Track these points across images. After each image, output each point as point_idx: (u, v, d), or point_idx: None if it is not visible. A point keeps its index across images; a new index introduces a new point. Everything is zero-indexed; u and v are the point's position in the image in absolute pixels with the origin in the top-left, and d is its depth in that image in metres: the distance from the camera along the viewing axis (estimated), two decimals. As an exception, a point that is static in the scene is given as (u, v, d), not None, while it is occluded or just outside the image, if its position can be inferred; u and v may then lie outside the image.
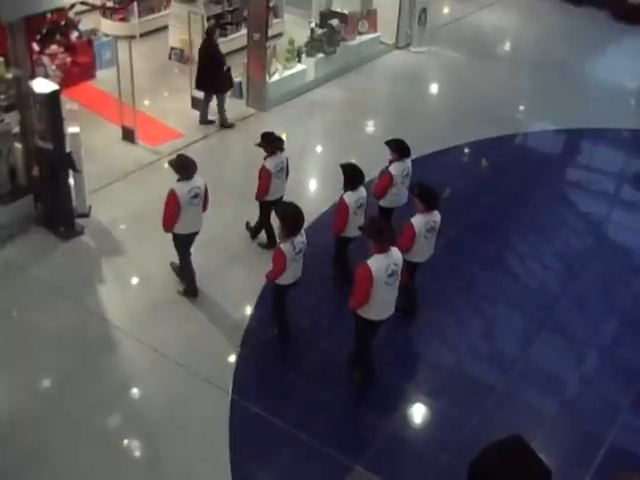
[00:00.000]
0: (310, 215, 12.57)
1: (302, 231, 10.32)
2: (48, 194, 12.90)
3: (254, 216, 12.99)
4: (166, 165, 15.09)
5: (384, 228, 9.75)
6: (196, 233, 11.49)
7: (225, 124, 17.31)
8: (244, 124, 17.43)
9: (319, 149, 17.00)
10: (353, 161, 12.22)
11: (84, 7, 19.00)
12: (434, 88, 20.67)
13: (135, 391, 10.39)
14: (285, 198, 12.27)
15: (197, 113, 17.34)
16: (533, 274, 13.28)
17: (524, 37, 24.25)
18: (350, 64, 20.51)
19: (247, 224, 13.26)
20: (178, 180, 11.05)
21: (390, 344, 11.32)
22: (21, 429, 9.59)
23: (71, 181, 13.08)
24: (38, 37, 17.80)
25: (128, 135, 16.10)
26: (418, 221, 10.90)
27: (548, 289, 12.93)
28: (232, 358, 10.89)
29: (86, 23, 19.84)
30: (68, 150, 12.75)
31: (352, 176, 11.45)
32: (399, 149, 12.20)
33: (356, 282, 9.59)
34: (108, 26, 20.76)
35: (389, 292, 9.70)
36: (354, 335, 10.22)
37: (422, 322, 11.85)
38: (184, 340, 11.06)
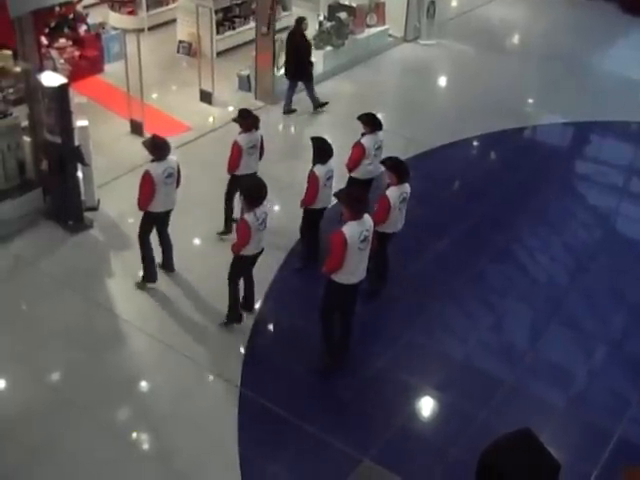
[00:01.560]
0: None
1: (264, 202, 10.49)
2: (57, 188, 12.92)
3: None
4: (174, 158, 15.21)
5: (359, 196, 10.06)
6: (169, 212, 11.68)
7: (318, 104, 17.96)
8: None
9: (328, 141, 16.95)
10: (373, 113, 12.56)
11: (92, 0, 19.02)
12: (442, 81, 20.63)
13: (143, 384, 10.41)
14: (294, 192, 12.27)
15: (205, 106, 17.36)
16: (542, 267, 13.26)
17: (532, 29, 24.18)
18: (358, 57, 20.47)
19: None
20: (152, 161, 11.27)
21: (399, 336, 11.33)
22: (29, 422, 9.61)
23: (80, 175, 13.08)
24: (46, 31, 17.79)
25: (136, 128, 16.10)
26: (392, 193, 11.21)
27: (557, 282, 12.91)
28: (241, 351, 10.89)
29: (94, 16, 19.85)
30: (77, 144, 12.75)
31: (322, 149, 11.82)
32: (370, 123, 12.54)
33: (331, 248, 9.86)
34: (116, 19, 20.75)
35: (361, 257, 9.95)
36: (321, 306, 10.38)
37: (431, 315, 11.84)
38: (193, 333, 11.07)
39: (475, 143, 17.29)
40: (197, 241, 12.95)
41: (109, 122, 16.40)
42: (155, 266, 11.97)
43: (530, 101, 19.51)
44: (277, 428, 9.82)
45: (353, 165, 12.57)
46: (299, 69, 17.51)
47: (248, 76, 18.24)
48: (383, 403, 10.30)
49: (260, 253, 10.93)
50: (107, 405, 9.95)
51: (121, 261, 12.44)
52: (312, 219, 12.31)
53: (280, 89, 18.05)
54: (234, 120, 12.63)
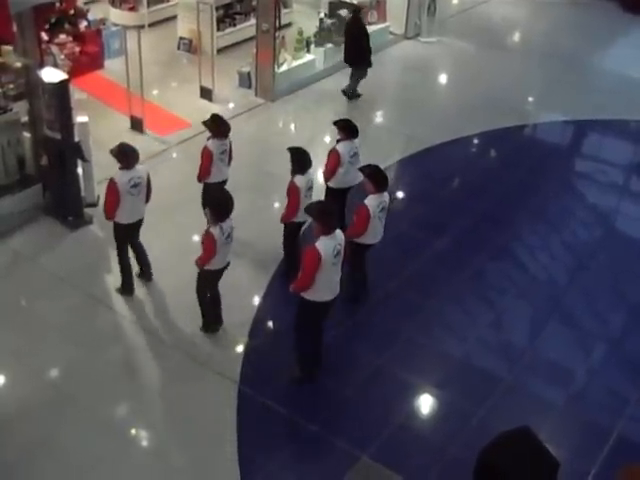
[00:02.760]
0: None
1: (230, 216, 10.25)
2: (56, 183, 12.91)
3: (263, 207, 12.99)
4: (174, 154, 15.25)
5: (330, 210, 9.81)
6: (137, 223, 11.36)
7: (354, 94, 18.43)
8: (252, 114, 17.42)
9: (327, 139, 16.94)
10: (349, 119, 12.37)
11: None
12: (443, 79, 20.61)
13: (142, 381, 10.40)
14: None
15: (205, 102, 17.37)
16: (542, 265, 13.26)
17: (533, 28, 24.15)
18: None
19: None
20: (120, 168, 10.90)
21: (398, 334, 11.33)
22: (29, 418, 9.62)
23: (79, 171, 13.08)
24: (47, 26, 17.80)
25: (136, 125, 16.10)
26: (371, 202, 10.93)
27: (556, 280, 12.91)
28: (240, 349, 10.90)
29: (95, 12, 19.83)
30: (77, 139, 12.75)
31: (301, 160, 11.46)
32: (346, 128, 12.31)
33: (304, 265, 9.54)
34: (117, 16, 20.75)
35: (335, 272, 9.72)
36: (295, 321, 10.13)
37: (430, 313, 11.84)
38: (192, 330, 11.06)
39: (475, 141, 17.28)
40: (196, 237, 12.92)
41: (109, 118, 16.40)
42: (132, 279, 11.74)
43: (530, 99, 19.50)
44: (276, 426, 9.83)
45: (330, 174, 12.29)
46: (358, 55, 18.03)
47: (249, 73, 18.24)
48: (382, 401, 10.30)
49: (226, 267, 10.65)
50: (106, 402, 9.96)
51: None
52: (293, 233, 11.89)
53: (280, 86, 18.05)
54: (204, 124, 12.39)
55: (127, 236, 11.44)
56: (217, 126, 12.21)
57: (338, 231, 9.66)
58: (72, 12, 19.01)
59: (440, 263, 12.84)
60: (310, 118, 17.66)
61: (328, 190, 12.51)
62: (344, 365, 10.68)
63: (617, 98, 19.27)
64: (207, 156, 12.08)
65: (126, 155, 10.94)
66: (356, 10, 18.39)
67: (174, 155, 15.52)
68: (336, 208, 10.59)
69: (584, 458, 9.59)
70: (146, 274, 11.94)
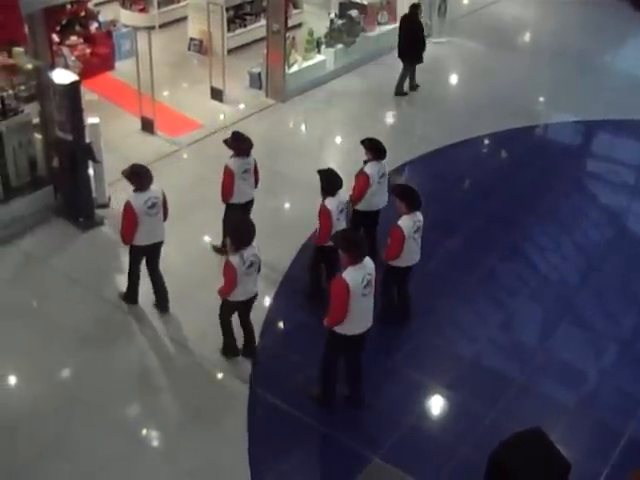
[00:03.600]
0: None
1: (253, 244, 9.82)
2: (68, 185, 12.94)
3: (273, 207, 12.98)
4: (185, 155, 15.27)
5: (357, 239, 9.34)
6: (156, 246, 11.04)
7: (400, 91, 18.77)
8: (263, 115, 17.43)
9: (338, 140, 16.97)
10: (377, 138, 11.98)
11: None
12: (453, 79, 20.58)
13: (153, 382, 10.41)
14: (306, 190, 12.19)
15: (216, 103, 17.40)
16: (553, 266, 13.22)
17: (544, 28, 24.09)
18: (369, 55, 20.43)
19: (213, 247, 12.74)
20: (134, 190, 10.54)
21: (409, 335, 11.32)
22: (40, 419, 9.64)
23: (91, 172, 13.11)
24: (58, 28, 17.85)
25: (147, 126, 16.13)
26: (405, 223, 10.52)
27: (568, 281, 12.88)
28: (251, 349, 10.90)
29: (105, 14, 19.89)
30: (88, 141, 12.77)
31: (330, 182, 10.98)
32: (373, 148, 11.77)
33: (332, 298, 9.10)
34: (127, 17, 20.81)
35: (366, 303, 9.26)
36: (324, 351, 9.72)
37: (441, 314, 11.82)
38: (203, 331, 11.06)
39: (486, 141, 17.26)
40: (207, 238, 12.94)
41: (120, 119, 16.44)
42: (137, 291, 11.48)
43: (541, 99, 19.45)
44: (287, 426, 9.83)
45: (358, 197, 11.75)
46: (412, 51, 18.44)
47: (259, 74, 18.25)
48: (393, 402, 10.29)
49: (254, 298, 10.25)
50: (117, 402, 9.98)
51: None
52: (324, 257, 11.34)
53: (291, 87, 18.06)
54: (225, 142, 11.75)
55: (142, 258, 11.12)
56: (238, 144, 11.67)
57: (368, 260, 9.23)
58: (83, 14, 19.06)
59: (451, 264, 12.82)
60: (321, 119, 17.66)
61: (355, 213, 12.03)
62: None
63: (628, 98, 19.21)
64: (228, 176, 11.61)
65: (139, 176, 10.59)
66: (415, 5, 18.66)
67: (185, 156, 15.54)
68: (362, 235, 10.11)
69: (596, 459, 9.57)
70: (162, 306, 11.48)
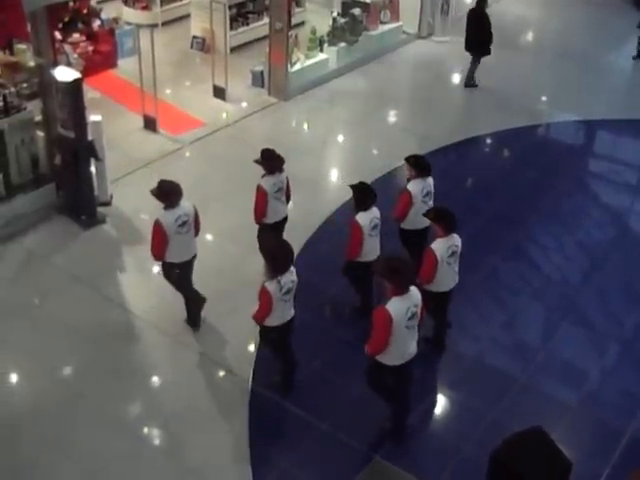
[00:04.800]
0: (332, 203, 12.56)
1: (292, 268, 9.43)
2: (70, 183, 12.95)
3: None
4: (188, 154, 15.27)
5: (401, 267, 8.75)
6: (191, 260, 10.77)
7: (471, 83, 19.39)
8: (265, 114, 17.43)
9: (340, 138, 16.97)
10: (422, 155, 11.83)
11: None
12: (456, 78, 20.54)
13: (155, 380, 10.43)
14: (308, 189, 12.15)
15: (219, 101, 17.40)
16: (555, 265, 13.20)
17: (546, 27, 24.05)
18: (372, 54, 20.43)
19: None
20: (164, 208, 10.24)
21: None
22: (42, 417, 9.66)
23: (93, 170, 13.12)
24: (60, 26, 17.85)
25: (150, 124, 16.13)
26: (439, 247, 10.13)
27: (570, 280, 12.87)
28: (252, 347, 10.89)
29: (108, 12, 19.88)
30: (90, 138, 12.77)
31: (363, 195, 10.67)
32: (417, 165, 11.40)
33: (374, 328, 8.75)
34: (130, 15, 20.79)
35: (410, 335, 8.92)
36: (367, 382, 9.40)
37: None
38: (204, 329, 11.07)
39: (488, 140, 17.25)
40: (210, 237, 12.94)
41: (122, 117, 16.44)
42: (199, 312, 11.16)
43: (543, 99, 19.43)
44: (288, 425, 9.84)
45: (401, 215, 11.32)
46: (479, 43, 18.90)
47: (262, 72, 18.24)
48: (395, 400, 10.29)
49: (291, 321, 9.79)
50: (118, 400, 9.99)
51: (134, 256, 12.46)
52: (359, 273, 10.90)
53: (293, 85, 18.06)
54: (256, 162, 11.23)
55: (184, 272, 10.77)
56: (270, 161, 11.24)
57: (414, 290, 8.85)
58: (85, 11, 19.07)
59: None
60: (323, 117, 17.65)
61: (402, 231, 11.63)
62: (357, 365, 10.65)
63: (630, 97, 19.22)
64: (262, 197, 11.18)
65: (168, 194, 10.24)
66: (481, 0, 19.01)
67: (187, 154, 15.53)
68: (408, 262, 9.49)
69: (597, 459, 9.56)
70: (194, 321, 11.20)
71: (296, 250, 12.48)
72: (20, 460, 9.12)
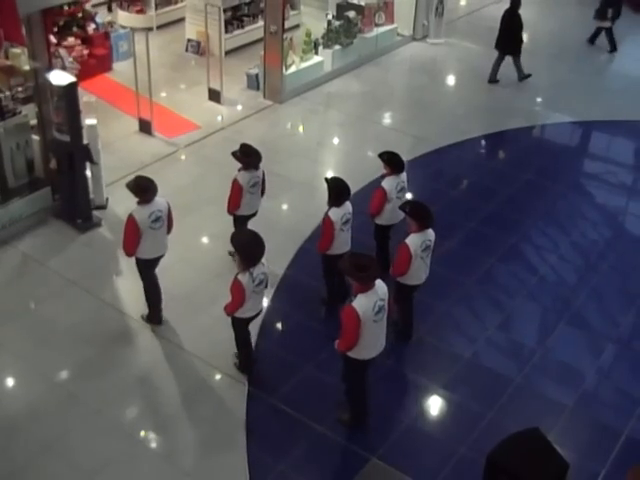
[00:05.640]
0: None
1: (263, 261, 9.65)
2: (65, 186, 12.94)
3: (270, 208, 12.98)
4: (183, 157, 15.28)
5: (365, 264, 8.86)
6: (161, 257, 10.89)
7: (523, 75, 19.92)
8: (260, 116, 17.43)
9: (336, 141, 16.98)
10: (395, 152, 11.86)
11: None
12: (451, 80, 20.59)
13: (151, 383, 10.41)
14: (303, 192, 12.18)
15: (214, 104, 17.42)
16: (551, 266, 13.22)
17: (542, 29, 24.04)
18: (367, 56, 20.47)
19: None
20: (138, 203, 10.36)
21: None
22: (38, 420, 9.64)
23: (88, 173, 13.12)
24: (55, 29, 17.86)
25: (145, 127, 16.13)
26: (413, 241, 10.30)
27: (566, 281, 12.88)
28: (249, 350, 10.89)
29: (103, 15, 19.89)
30: (85, 142, 12.78)
31: (337, 191, 10.85)
32: (391, 162, 11.57)
33: (343, 325, 8.91)
34: (125, 18, 20.80)
35: (378, 329, 9.07)
36: (343, 375, 9.62)
37: (439, 314, 11.83)
38: (200, 332, 11.07)
39: (484, 142, 17.28)
40: (205, 239, 12.95)
41: (117, 121, 16.45)
42: (159, 308, 11.28)
43: (539, 100, 19.45)
44: (285, 427, 9.83)
45: (375, 211, 11.55)
46: (511, 44, 19.51)
47: (257, 75, 18.27)
48: (391, 402, 10.31)
49: (258, 314, 10.17)
50: (115, 403, 9.98)
51: (129, 260, 12.40)
52: (331, 264, 10.96)
53: (288, 88, 18.07)
54: (233, 155, 11.58)
55: (153, 269, 10.97)
56: (247, 157, 11.53)
57: (380, 284, 8.99)
58: (80, 15, 19.07)
59: (449, 264, 12.81)
60: (318, 120, 17.68)
61: (376, 227, 11.88)
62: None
63: (626, 99, 19.23)
64: (237, 190, 11.48)
65: (143, 190, 10.35)
66: (515, 0, 19.49)
67: (182, 157, 15.55)
68: (372, 258, 9.51)
69: (594, 459, 9.57)
70: (154, 317, 11.35)
71: (292, 252, 12.62)
72: (15, 464, 9.09)
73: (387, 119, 18.03)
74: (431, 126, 17.44)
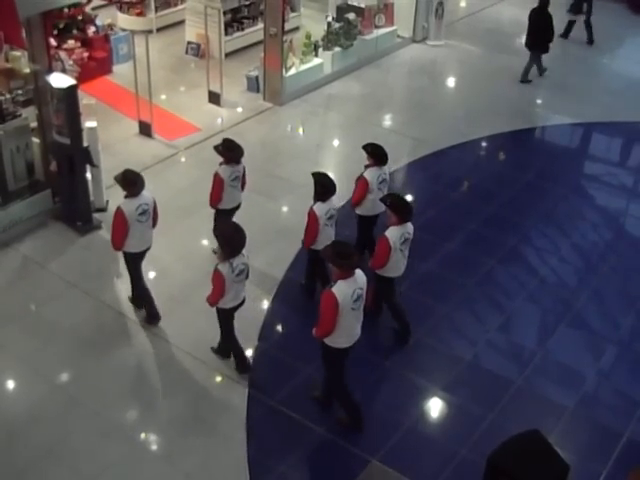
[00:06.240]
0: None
1: (243, 252, 9.76)
2: (66, 189, 12.94)
3: (271, 210, 13.00)
4: (183, 159, 15.28)
5: (347, 252, 9.05)
6: (146, 250, 11.06)
7: (543, 71, 20.41)
8: (260, 118, 17.43)
9: (336, 143, 16.98)
10: (379, 144, 11.96)
11: (101, 2, 19.15)
12: (451, 82, 20.60)
13: (152, 385, 10.41)
14: (303, 194, 12.18)
15: (214, 107, 17.43)
16: (551, 268, 13.22)
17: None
18: (367, 58, 20.47)
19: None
20: (125, 197, 10.57)
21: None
22: (38, 422, 9.64)
23: (88, 176, 13.11)
24: (55, 32, 17.86)
25: (145, 129, 16.13)
26: (392, 234, 10.45)
27: (566, 283, 12.88)
28: (249, 352, 10.88)
29: (103, 18, 19.88)
30: (85, 145, 12.78)
31: (323, 186, 11.04)
32: (375, 154, 11.76)
33: (321, 311, 9.06)
34: (125, 21, 20.79)
35: (355, 317, 9.22)
36: (323, 364, 9.72)
37: (439, 316, 11.82)
38: (201, 334, 11.06)
39: (484, 144, 17.27)
40: (205, 241, 12.94)
41: (118, 123, 16.45)
42: (154, 305, 11.39)
43: (539, 101, 19.47)
44: (285, 429, 9.83)
45: (357, 202, 11.84)
46: (539, 41, 19.89)
47: (256, 77, 18.27)
48: (391, 404, 10.30)
49: (241, 304, 10.19)
50: (115, 406, 9.98)
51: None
52: (315, 258, 11.31)
53: (288, 90, 18.08)
54: (216, 149, 11.77)
55: (139, 262, 11.13)
56: (229, 152, 11.67)
57: (359, 274, 9.16)
58: (80, 17, 19.07)
59: (450, 266, 12.82)
60: (318, 122, 17.68)
61: (359, 217, 12.13)
62: (354, 368, 10.67)
63: (626, 100, 19.24)
64: (218, 183, 11.65)
65: (131, 183, 10.56)
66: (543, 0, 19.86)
67: (183, 159, 15.55)
68: (353, 248, 9.67)
69: (595, 461, 9.57)
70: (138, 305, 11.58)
71: (292, 255, 12.63)
72: (16, 467, 9.09)
73: (387, 121, 18.03)
74: (431, 128, 17.45)
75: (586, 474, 9.26)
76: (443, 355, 11.19)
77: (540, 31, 19.79)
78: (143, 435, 9.69)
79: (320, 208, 10.99)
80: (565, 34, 23.08)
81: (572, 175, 16.32)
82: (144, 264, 11.24)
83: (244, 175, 12.01)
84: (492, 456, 7.42)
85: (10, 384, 10.34)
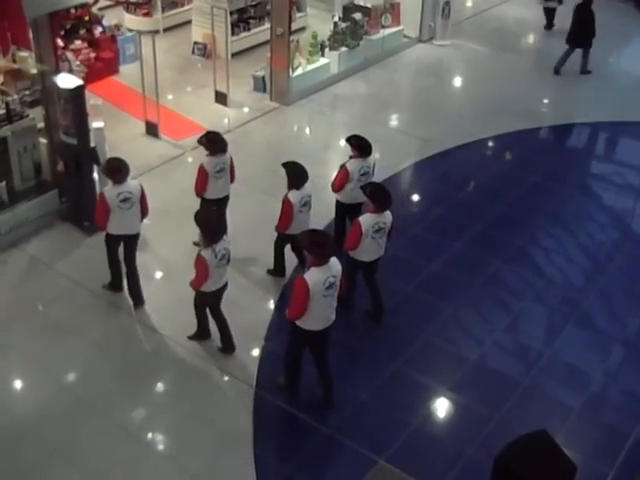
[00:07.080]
0: (332, 208, 12.58)
1: (224, 237, 10.17)
2: (73, 189, 12.95)
3: (277, 209, 12.99)
4: (190, 159, 15.28)
5: (322, 240, 9.37)
6: (132, 237, 11.38)
7: (586, 70, 20.54)
8: (267, 118, 17.44)
9: (342, 143, 16.93)
10: (363, 136, 12.22)
11: (108, 2, 19.17)
12: (457, 81, 20.58)
13: (159, 385, 10.43)
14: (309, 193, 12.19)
15: (220, 107, 17.43)
16: (558, 268, 13.20)
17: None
18: (373, 58, 20.46)
19: None
20: (111, 183, 11.04)
21: (414, 338, 11.32)
22: (46, 422, 9.66)
23: (95, 176, 13.12)
24: (62, 33, 17.88)
25: (152, 130, 16.15)
26: (366, 221, 10.72)
27: (573, 283, 12.86)
28: (256, 352, 10.90)
29: (110, 18, 19.90)
30: (92, 145, 12.80)
31: (295, 175, 11.45)
32: (358, 146, 12.11)
33: (292, 295, 9.40)
34: (132, 21, 20.81)
35: (327, 304, 9.43)
36: (287, 342, 10.00)
37: (446, 316, 11.82)
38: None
39: (491, 143, 17.24)
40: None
41: (124, 123, 16.46)
42: (120, 279, 11.80)
43: (545, 101, 19.45)
44: (292, 429, 9.85)
45: (337, 188, 12.18)
46: (582, 37, 20.20)
47: (263, 77, 18.27)
48: (398, 404, 10.29)
49: (224, 288, 10.53)
50: (122, 406, 9.99)
51: (138, 262, 12.45)
52: (283, 243, 12.02)
53: (295, 90, 18.08)
54: (199, 142, 12.34)
55: (117, 246, 11.51)
56: (212, 144, 12.09)
57: (334, 262, 9.42)
58: (87, 18, 19.10)
59: (456, 266, 12.81)
60: (325, 122, 17.68)
61: (337, 204, 12.51)
62: (360, 368, 10.69)
63: (633, 99, 19.19)
64: (201, 174, 12.01)
65: (115, 172, 10.99)
66: None
67: (189, 160, 15.54)
68: (329, 236, 9.98)
69: (602, 461, 9.55)
70: (135, 297, 11.71)
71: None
72: (24, 467, 9.11)
73: (394, 121, 18.03)
74: (438, 128, 17.44)
75: (593, 475, 9.24)
76: (450, 355, 11.18)
77: (585, 26, 20.09)
78: (150, 435, 9.70)
79: (295, 195, 11.36)
80: (548, 26, 23.68)
81: (579, 175, 16.29)
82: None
83: (232, 167, 12.34)
84: (499, 456, 7.42)
85: (18, 384, 10.37)
